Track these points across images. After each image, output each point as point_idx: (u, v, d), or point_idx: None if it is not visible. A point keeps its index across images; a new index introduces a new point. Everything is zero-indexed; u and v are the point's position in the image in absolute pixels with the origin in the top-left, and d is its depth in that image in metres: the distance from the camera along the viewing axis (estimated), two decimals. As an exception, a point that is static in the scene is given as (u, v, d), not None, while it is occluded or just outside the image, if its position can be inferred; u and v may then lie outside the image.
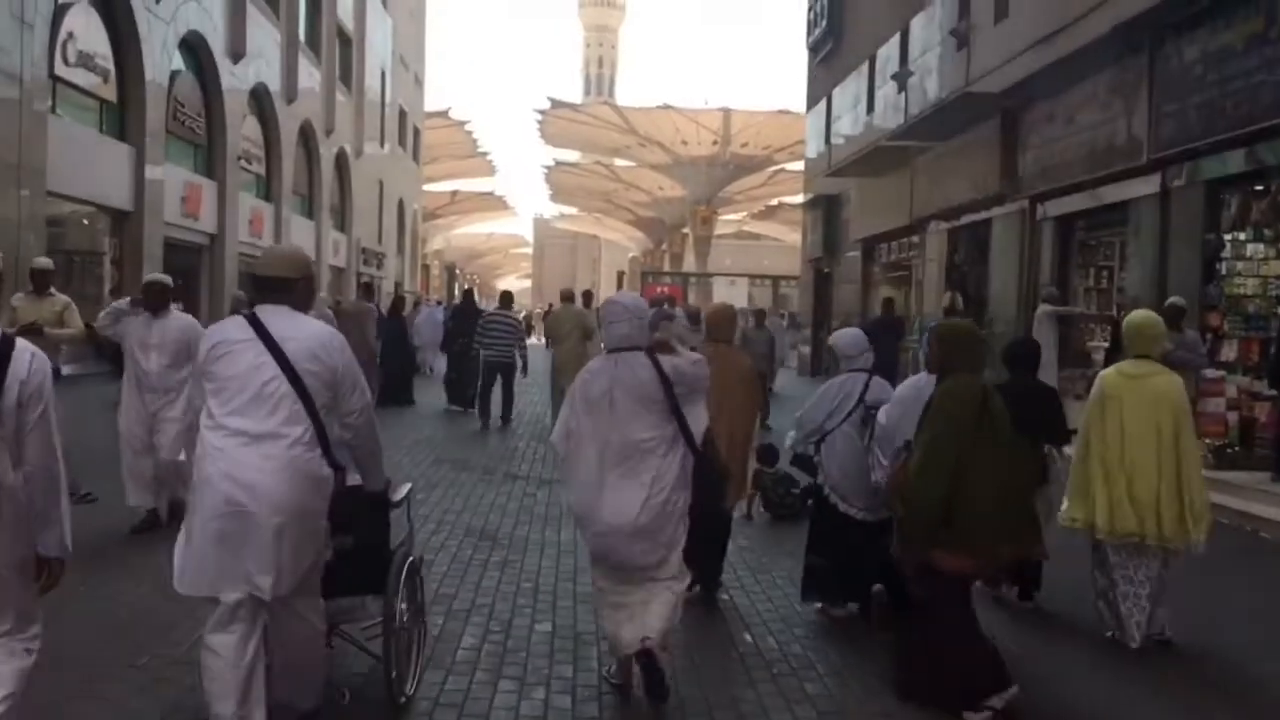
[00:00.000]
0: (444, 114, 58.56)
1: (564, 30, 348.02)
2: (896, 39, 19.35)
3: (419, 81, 51.01)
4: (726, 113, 58.27)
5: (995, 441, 4.14)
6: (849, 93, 22.73)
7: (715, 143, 59.67)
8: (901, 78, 18.82)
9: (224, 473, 3.50)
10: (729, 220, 76.76)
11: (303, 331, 3.70)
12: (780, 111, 57.35)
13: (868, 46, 21.47)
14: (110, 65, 17.97)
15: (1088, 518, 5.33)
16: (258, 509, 3.48)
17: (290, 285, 3.81)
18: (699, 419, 4.30)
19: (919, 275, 18.69)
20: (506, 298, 15.80)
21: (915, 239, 18.57)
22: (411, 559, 4.31)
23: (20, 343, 3.13)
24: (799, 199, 73.70)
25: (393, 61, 42.65)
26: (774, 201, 74.04)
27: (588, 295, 16.71)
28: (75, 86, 17.03)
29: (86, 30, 17.18)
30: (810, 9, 25.63)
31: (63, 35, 16.25)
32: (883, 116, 20.04)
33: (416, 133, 50.39)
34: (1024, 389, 5.76)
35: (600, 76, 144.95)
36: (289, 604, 3.66)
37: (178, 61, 21.04)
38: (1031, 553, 4.97)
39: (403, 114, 46.01)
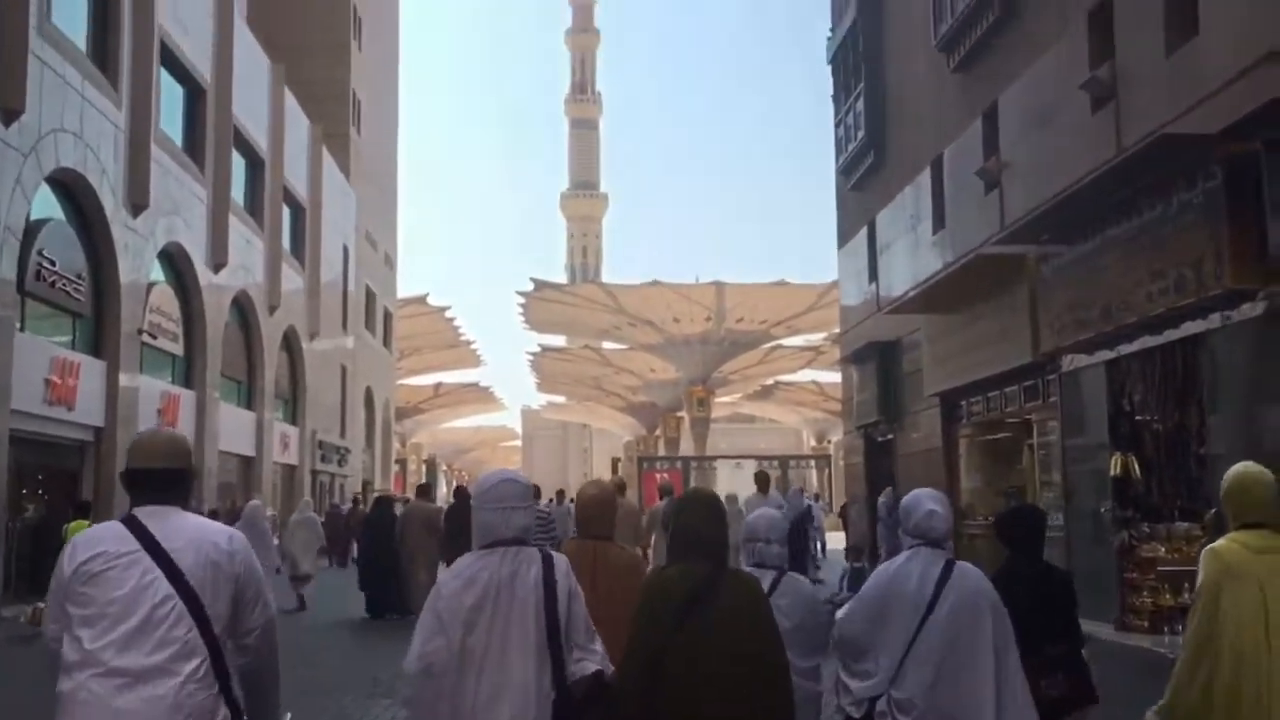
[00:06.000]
0: (422, 299, 54.98)
1: (546, 222, 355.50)
2: (977, 127, 14.81)
3: (390, 262, 46.96)
4: (719, 286, 55.42)
5: (714, 654, 3.30)
6: (903, 212, 18.13)
7: (709, 319, 56.75)
8: (991, 174, 14.18)
9: None
10: (723, 403, 73.79)
11: (197, 537, 3.14)
12: (777, 283, 54.56)
13: (926, 150, 16.99)
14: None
15: None
16: None
17: (177, 479, 3.27)
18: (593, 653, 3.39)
19: (1047, 432, 13.52)
20: (534, 492, 12.94)
21: (1039, 382, 13.47)
22: None
23: None
24: (797, 376, 71.24)
25: (357, 237, 38.60)
26: (770, 380, 71.09)
27: (622, 486, 15.03)
28: None
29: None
30: (838, 125, 21.35)
31: None
32: (962, 230, 15.34)
33: (388, 316, 45.98)
34: (1027, 576, 4.60)
35: (585, 266, 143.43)
36: None
37: (46, 205, 16.36)
38: None
39: (370, 295, 41.69)
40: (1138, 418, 11.25)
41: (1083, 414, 12.28)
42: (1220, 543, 4.17)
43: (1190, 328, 9.74)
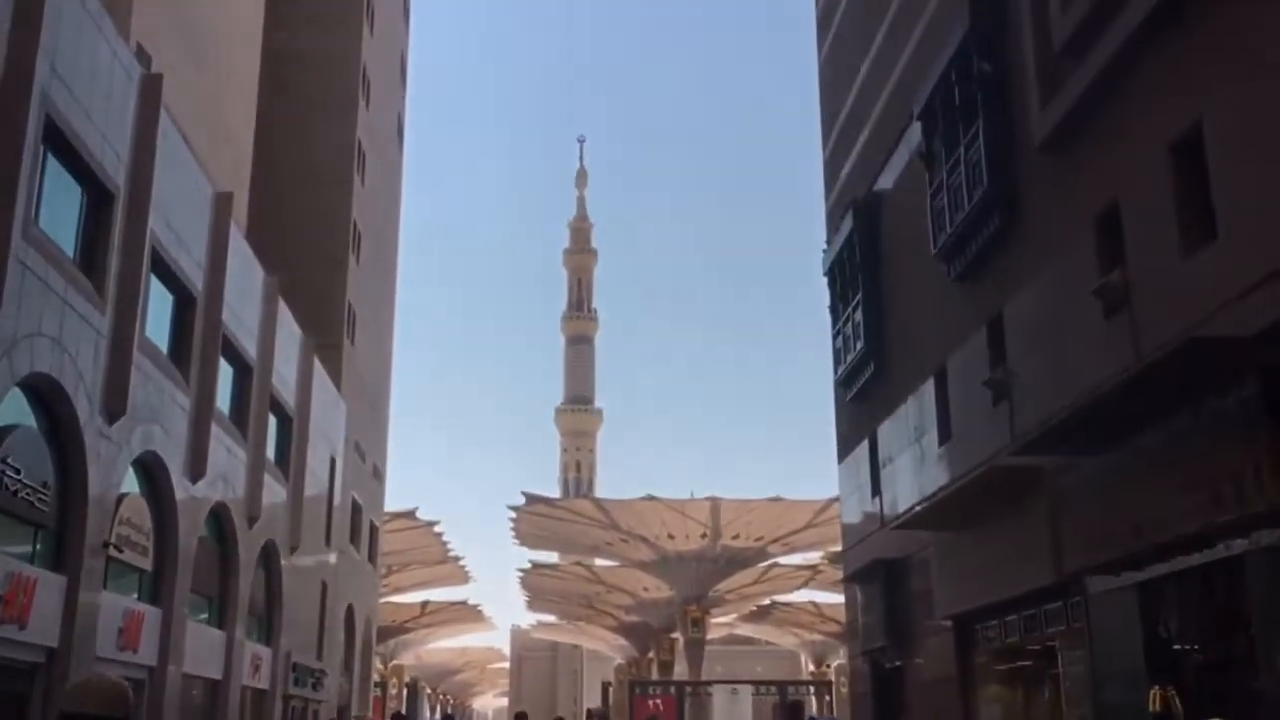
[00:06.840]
0: (410, 514, 53.88)
1: (540, 437, 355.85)
2: (982, 336, 14.39)
3: (379, 475, 46.08)
4: (715, 502, 54.45)
5: None
6: (906, 424, 17.54)
7: (704, 535, 55.58)
8: (1001, 382, 13.65)
9: None
10: (719, 623, 71.62)
11: None
12: (773, 499, 53.77)
13: (929, 359, 16.55)
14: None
15: None
16: None
17: None
18: None
19: (1074, 661, 12.47)
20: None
21: (1063, 605, 12.51)
22: None
23: None
24: (795, 597, 69.41)
25: (346, 449, 37.90)
26: (767, 600, 69.40)
27: (604, 716, 14.59)
28: None
29: None
30: (836, 335, 21.06)
31: None
32: (971, 442, 14.71)
33: (374, 530, 44.75)
34: None
35: (578, 480, 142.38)
36: None
37: (16, 410, 15.69)
38: None
39: (357, 508, 40.63)
40: (1177, 646, 10.26)
41: (1114, 641, 11.27)
42: None
43: (1230, 547, 8.93)
